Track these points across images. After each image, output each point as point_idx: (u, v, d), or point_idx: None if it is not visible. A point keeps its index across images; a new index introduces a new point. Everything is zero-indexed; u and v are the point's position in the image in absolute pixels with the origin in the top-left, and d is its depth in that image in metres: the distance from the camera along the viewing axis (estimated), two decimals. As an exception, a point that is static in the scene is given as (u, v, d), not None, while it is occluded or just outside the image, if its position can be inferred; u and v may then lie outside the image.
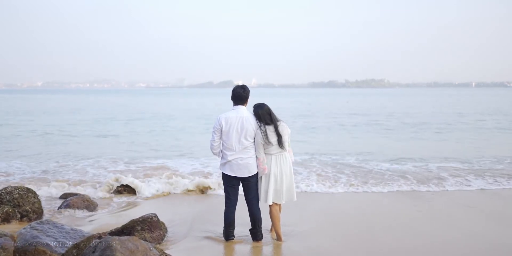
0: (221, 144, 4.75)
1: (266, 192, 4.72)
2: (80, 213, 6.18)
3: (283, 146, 4.70)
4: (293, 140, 5.03)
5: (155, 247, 3.60)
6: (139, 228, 4.70)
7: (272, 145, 4.65)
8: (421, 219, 5.88)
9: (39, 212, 5.81)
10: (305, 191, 7.53)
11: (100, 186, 7.67)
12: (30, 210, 5.69)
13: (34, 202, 5.81)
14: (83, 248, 3.67)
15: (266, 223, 5.10)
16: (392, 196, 7.29)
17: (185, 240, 4.95)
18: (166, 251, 4.21)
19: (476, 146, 13.66)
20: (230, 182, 4.77)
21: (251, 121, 4.65)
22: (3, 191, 5.73)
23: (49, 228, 4.29)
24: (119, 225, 4.86)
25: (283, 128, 4.72)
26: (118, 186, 7.46)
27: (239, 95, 4.72)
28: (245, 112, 4.71)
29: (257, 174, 4.73)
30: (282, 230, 4.97)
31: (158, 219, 4.98)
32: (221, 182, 5.18)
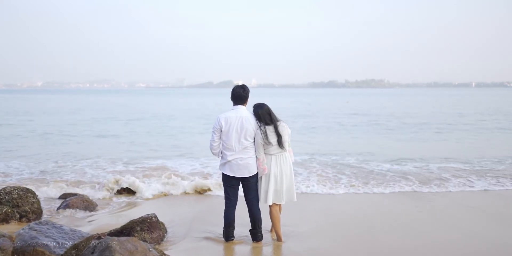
0: (220, 144, 4.72)
1: (266, 192, 4.70)
2: (79, 213, 6.15)
3: (283, 146, 4.67)
4: (293, 140, 5.01)
5: (154, 248, 3.58)
6: (138, 228, 4.67)
7: (272, 145, 4.63)
8: (422, 219, 5.86)
9: (38, 213, 5.79)
10: (306, 193, 7.49)
11: (99, 187, 7.64)
12: (29, 210, 5.67)
13: (33, 202, 5.78)
14: (82, 249, 3.65)
15: (266, 223, 5.08)
16: (393, 197, 7.26)
17: (185, 241, 4.93)
18: (166, 252, 4.19)
19: (476, 146, 13.64)
20: (229, 182, 4.75)
21: (251, 121, 4.63)
22: (2, 191, 5.70)
23: (48, 229, 4.27)
24: (119, 226, 4.84)
25: (283, 128, 4.70)
26: (118, 190, 7.42)
27: (239, 95, 4.70)
28: (245, 112, 4.69)
29: (257, 174, 4.70)
30: (282, 230, 4.95)
31: (158, 220, 4.96)
32: (221, 183, 5.16)
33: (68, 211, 6.16)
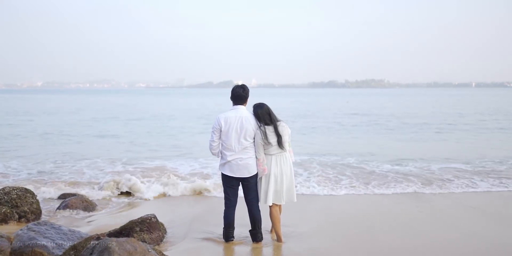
0: (220, 144, 4.70)
1: (266, 193, 4.68)
2: (78, 213, 6.13)
3: (283, 147, 4.65)
4: (292, 140, 4.99)
5: (153, 249, 3.56)
6: (138, 229, 4.65)
7: (272, 145, 4.61)
8: (422, 219, 5.84)
9: (37, 213, 5.76)
10: (306, 194, 7.43)
11: (99, 187, 7.60)
12: (28, 210, 5.65)
13: (32, 202, 5.76)
14: (80, 250, 3.64)
15: (266, 224, 5.06)
16: (393, 197, 7.24)
17: (185, 241, 4.91)
18: (165, 252, 4.17)
19: (477, 146, 13.63)
20: (229, 183, 4.72)
21: (251, 121, 4.61)
22: (1, 191, 5.68)
23: (47, 229, 4.25)
24: (118, 226, 4.82)
25: (283, 128, 4.68)
26: (119, 194, 7.37)
27: (239, 95, 4.67)
28: (245, 112, 4.66)
29: (256, 174, 4.68)
30: (282, 231, 4.93)
31: (157, 220, 4.94)
32: (220, 183, 5.14)
33: (67, 212, 6.14)
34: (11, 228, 5.19)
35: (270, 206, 4.77)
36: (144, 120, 24.75)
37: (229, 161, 4.61)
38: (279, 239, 4.84)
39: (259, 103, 4.74)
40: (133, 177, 7.64)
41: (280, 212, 4.92)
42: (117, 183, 7.47)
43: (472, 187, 7.84)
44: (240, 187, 4.78)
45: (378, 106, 42.02)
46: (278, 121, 4.69)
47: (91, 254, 3.23)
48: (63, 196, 7.02)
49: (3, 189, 5.74)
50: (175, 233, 5.21)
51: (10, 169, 9.40)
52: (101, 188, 7.44)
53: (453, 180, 8.30)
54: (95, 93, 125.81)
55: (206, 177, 8.59)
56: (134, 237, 4.45)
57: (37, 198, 5.96)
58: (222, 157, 4.71)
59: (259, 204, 4.77)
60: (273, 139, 4.59)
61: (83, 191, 7.34)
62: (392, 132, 18.26)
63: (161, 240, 4.85)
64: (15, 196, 5.64)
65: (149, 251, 3.35)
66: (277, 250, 4.69)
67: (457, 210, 6.33)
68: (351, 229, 5.39)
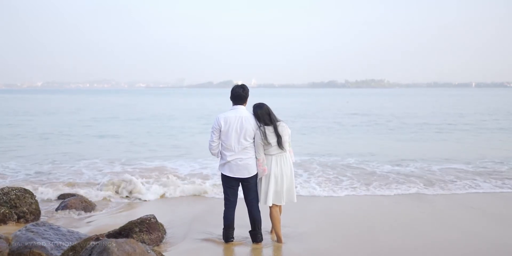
0: (220, 145, 4.68)
1: (266, 193, 4.65)
2: (77, 214, 6.11)
3: (283, 147, 4.63)
4: (292, 141, 4.96)
5: (153, 250, 3.53)
6: (137, 229, 4.63)
7: (272, 145, 4.58)
8: (422, 219, 5.82)
9: (36, 213, 5.74)
10: (306, 195, 7.38)
11: (99, 187, 7.57)
12: (27, 211, 5.62)
13: (31, 203, 5.74)
14: (79, 251, 3.61)
15: (266, 224, 5.04)
16: (394, 198, 7.20)
17: (184, 242, 4.89)
18: (165, 253, 4.15)
19: (477, 146, 13.60)
20: (229, 183, 4.70)
21: (251, 121, 4.58)
22: (-1, 192, 5.66)
23: (45, 230, 4.23)
24: (117, 227, 4.79)
25: (283, 128, 4.65)
26: (117, 190, 7.34)
27: (238, 95, 4.65)
28: (245, 112, 4.64)
29: (256, 175, 4.66)
30: (282, 231, 4.91)
31: (157, 221, 4.92)
32: (219, 184, 5.12)
33: (67, 212, 6.12)
34: (10, 229, 5.16)
35: (270, 207, 4.74)
36: (144, 120, 24.73)
37: (228, 162, 4.59)
38: (279, 240, 4.82)
39: (259, 103, 4.72)
40: (133, 178, 7.59)
41: (280, 213, 4.90)
42: (118, 187, 7.38)
43: (475, 188, 7.80)
44: (240, 188, 4.76)
45: (378, 106, 41.99)
46: (278, 121, 4.67)
47: (90, 255, 3.21)
48: (62, 197, 7.00)
49: (2, 189, 5.71)
50: (174, 233, 5.19)
51: (8, 170, 9.36)
52: (100, 190, 7.41)
53: (456, 181, 8.24)
54: (95, 93, 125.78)
55: (205, 177, 8.56)
56: (134, 238, 4.43)
57: (36, 198, 5.93)
58: (221, 158, 4.69)
59: (259, 204, 4.75)
60: (273, 139, 4.57)
61: (82, 191, 7.30)
62: (392, 132, 18.23)
63: (161, 241, 4.83)
64: (14, 196, 5.62)
65: (148, 252, 3.33)
66: (277, 250, 4.67)
67: (458, 211, 6.30)
68: (351, 229, 5.37)
